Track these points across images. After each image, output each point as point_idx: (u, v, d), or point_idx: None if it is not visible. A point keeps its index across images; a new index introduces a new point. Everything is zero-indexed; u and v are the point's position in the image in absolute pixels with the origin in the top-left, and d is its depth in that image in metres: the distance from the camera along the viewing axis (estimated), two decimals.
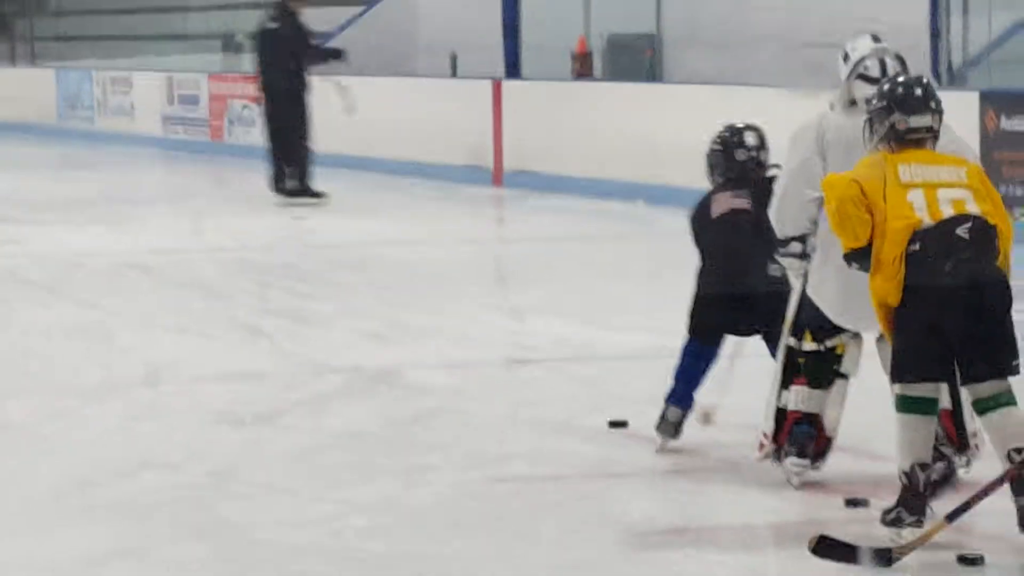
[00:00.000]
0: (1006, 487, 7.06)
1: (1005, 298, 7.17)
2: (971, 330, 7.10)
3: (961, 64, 17.32)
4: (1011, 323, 7.17)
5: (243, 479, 8.43)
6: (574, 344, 11.82)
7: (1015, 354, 7.17)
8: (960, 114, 8.11)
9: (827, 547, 6.87)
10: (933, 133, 7.30)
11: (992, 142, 15.27)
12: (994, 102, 15.84)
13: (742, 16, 20.41)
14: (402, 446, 9.10)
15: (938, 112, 7.33)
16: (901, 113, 7.26)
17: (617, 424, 9.08)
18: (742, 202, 8.57)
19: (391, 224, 19.44)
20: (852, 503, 7.55)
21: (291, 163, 20.57)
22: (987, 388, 7.20)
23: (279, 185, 20.78)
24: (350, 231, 18.72)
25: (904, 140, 7.25)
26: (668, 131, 19.36)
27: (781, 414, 8.08)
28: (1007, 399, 7.20)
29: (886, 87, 7.47)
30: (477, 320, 12.90)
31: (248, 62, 29.87)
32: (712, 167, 8.75)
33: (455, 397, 10.19)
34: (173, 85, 29.67)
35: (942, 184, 7.11)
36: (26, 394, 10.45)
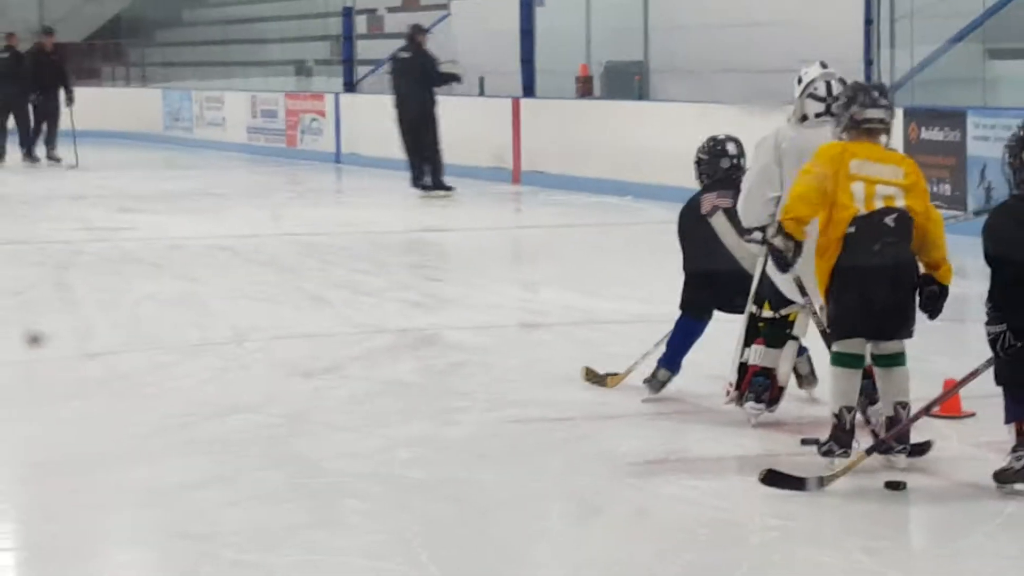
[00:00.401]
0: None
1: (914, 276, 7.23)
2: (889, 299, 7.17)
3: (889, 86, 17.26)
4: (915, 296, 7.22)
5: (311, 419, 8.42)
6: (576, 311, 11.80)
7: (914, 321, 7.25)
8: None
9: (774, 478, 6.89)
10: (885, 126, 7.32)
11: (914, 148, 15.25)
12: (915, 117, 15.84)
13: (711, 49, 20.35)
14: (438, 393, 9.10)
15: (889, 109, 7.36)
16: (859, 106, 7.27)
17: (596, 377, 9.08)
18: (727, 201, 8.53)
19: (429, 214, 19.41)
20: (806, 442, 7.50)
21: (426, 164, 20.63)
22: (891, 346, 7.30)
23: (417, 183, 20.82)
24: (396, 220, 18.71)
25: (860, 129, 7.26)
26: (652, 140, 19.35)
27: (743, 367, 8.11)
28: (902, 359, 7.31)
29: (850, 87, 7.52)
30: (498, 291, 12.91)
31: (316, 84, 29.99)
32: (700, 171, 8.71)
33: (480, 354, 10.17)
34: (256, 102, 29.68)
35: (880, 181, 7.13)
36: (137, 350, 10.45)
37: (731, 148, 8.66)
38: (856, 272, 7.13)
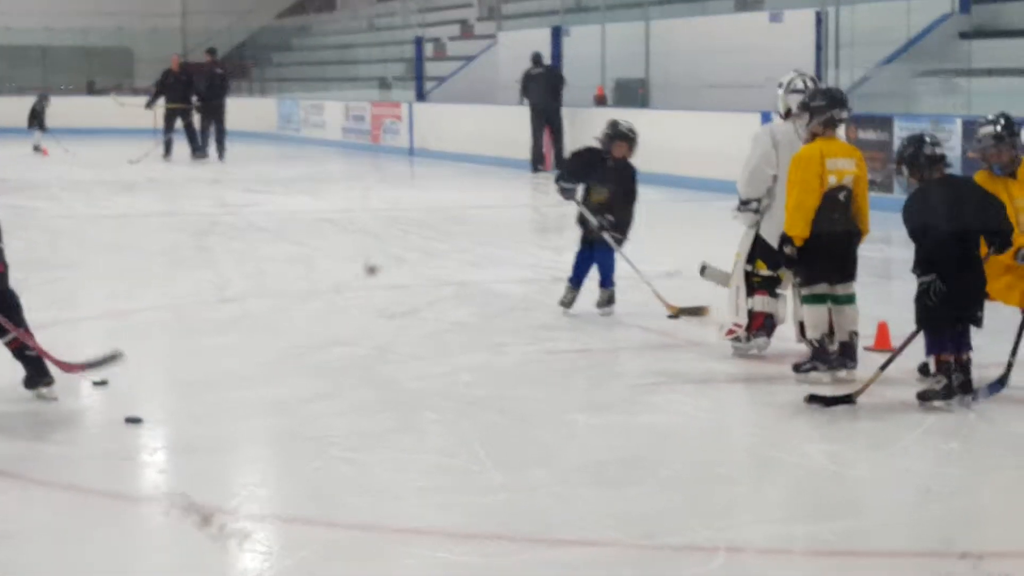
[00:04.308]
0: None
1: (857, 237, 7.44)
2: (839, 254, 7.37)
3: None
4: (857, 251, 7.46)
5: (394, 351, 8.39)
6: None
7: (856, 269, 7.46)
8: None
9: (817, 399, 6.84)
10: (845, 122, 7.52)
11: (853, 145, 15.20)
12: (855, 121, 15.72)
13: (697, 68, 20.28)
14: (490, 331, 9.05)
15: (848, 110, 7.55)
16: (838, 109, 7.42)
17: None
18: None
19: (480, 194, 19.38)
20: (795, 368, 7.46)
21: (542, 156, 21.33)
22: (844, 289, 7.45)
23: (537, 167, 21.42)
24: (455, 199, 18.67)
25: (833, 125, 7.41)
26: (652, 139, 19.24)
27: (751, 313, 8.00)
28: (852, 298, 7.46)
29: (826, 92, 7.60)
30: (533, 254, 12.87)
31: (394, 95, 29.94)
32: None
33: (521, 301, 10.13)
34: (348, 109, 29.63)
35: (846, 172, 7.37)
36: (262, 296, 10.45)
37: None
38: (822, 235, 7.28)
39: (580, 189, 9.33)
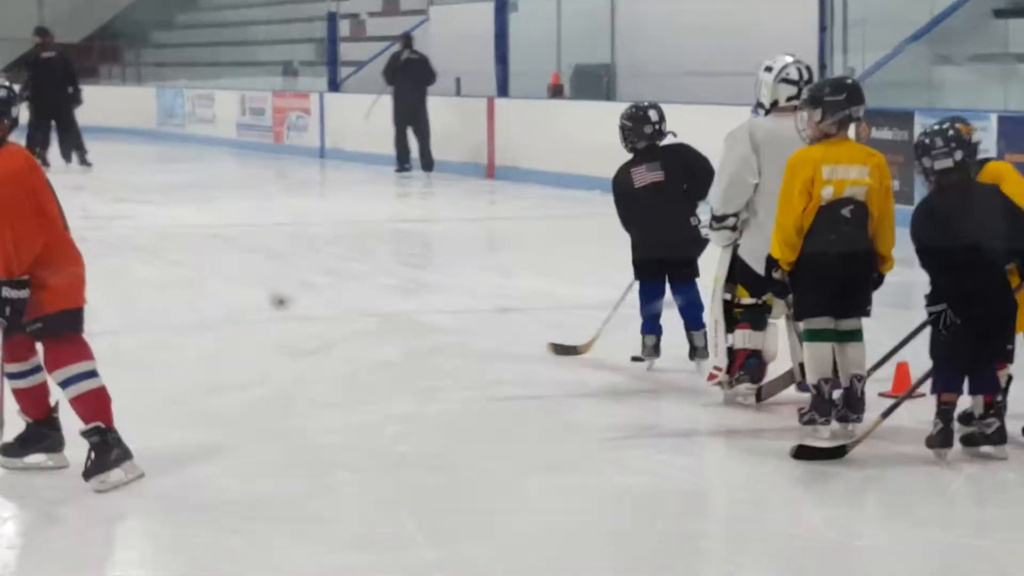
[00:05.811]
0: None
1: (869, 262, 7.37)
2: (844, 281, 7.33)
3: None
4: (870, 279, 7.39)
5: (301, 396, 8.39)
6: (545, 295, 11.79)
7: (870, 302, 7.42)
8: None
9: (805, 452, 6.89)
10: (858, 121, 7.54)
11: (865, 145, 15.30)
12: (866, 117, 15.83)
13: (674, 52, 20.35)
14: (420, 372, 9.06)
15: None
16: (855, 106, 7.40)
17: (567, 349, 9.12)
18: (658, 175, 8.77)
19: (409, 205, 19.40)
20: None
21: (407, 154, 22.33)
22: (849, 324, 7.42)
23: (404, 166, 22.19)
24: (377, 210, 18.69)
25: (847, 123, 7.39)
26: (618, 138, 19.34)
27: (731, 352, 8.00)
28: (859, 336, 7.43)
29: (842, 84, 7.57)
30: (474, 277, 12.87)
31: (301, 83, 29.90)
32: (624, 137, 8.92)
33: (459, 335, 10.15)
34: (245, 100, 29.58)
35: (848, 182, 7.30)
36: (136, 330, 10.39)
37: (652, 115, 8.89)
38: (815, 257, 7.23)
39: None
